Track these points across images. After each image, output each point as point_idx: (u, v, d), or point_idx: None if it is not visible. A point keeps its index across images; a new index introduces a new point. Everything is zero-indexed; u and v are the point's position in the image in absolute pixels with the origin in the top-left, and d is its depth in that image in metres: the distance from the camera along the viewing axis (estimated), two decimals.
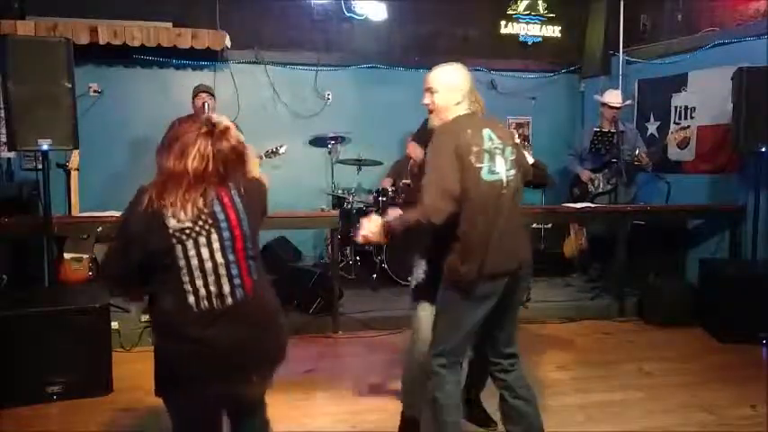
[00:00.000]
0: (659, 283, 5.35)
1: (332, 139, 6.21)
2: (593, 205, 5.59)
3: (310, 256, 6.71)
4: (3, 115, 4.40)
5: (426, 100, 2.72)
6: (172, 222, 1.85)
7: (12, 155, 5.54)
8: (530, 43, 7.09)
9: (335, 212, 5.34)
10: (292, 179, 6.20)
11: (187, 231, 1.86)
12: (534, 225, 6.41)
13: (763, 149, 4.86)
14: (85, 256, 5.16)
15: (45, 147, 3.93)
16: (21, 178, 5.67)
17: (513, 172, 2.62)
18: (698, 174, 5.87)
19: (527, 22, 7.06)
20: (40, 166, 4.18)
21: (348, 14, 6.65)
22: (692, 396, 3.71)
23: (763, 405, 3.55)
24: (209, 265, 1.88)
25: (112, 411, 3.47)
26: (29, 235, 4.54)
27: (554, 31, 7.12)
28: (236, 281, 1.92)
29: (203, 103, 4.95)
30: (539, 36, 7.08)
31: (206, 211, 1.89)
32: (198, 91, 5.11)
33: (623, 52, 6.56)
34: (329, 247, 5.88)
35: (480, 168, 2.53)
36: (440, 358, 2.66)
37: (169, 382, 1.91)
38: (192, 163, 1.89)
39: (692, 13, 6.05)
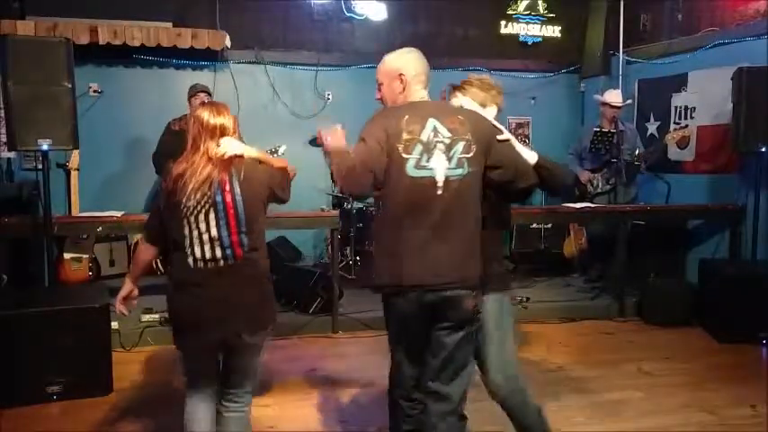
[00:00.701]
0: (659, 283, 5.35)
1: None
2: (593, 205, 5.59)
3: (310, 256, 6.72)
4: (3, 115, 4.40)
5: (377, 95, 2.48)
6: (183, 201, 2.33)
7: (12, 155, 5.54)
8: (530, 43, 7.09)
9: (335, 212, 5.34)
10: (292, 179, 6.19)
11: (194, 210, 2.32)
12: (534, 225, 6.42)
13: (763, 149, 4.86)
14: (85, 256, 5.17)
15: (45, 147, 3.93)
16: (21, 178, 5.67)
17: (459, 171, 2.24)
18: (698, 174, 5.87)
19: (527, 22, 7.06)
20: (40, 166, 4.18)
21: (348, 14, 6.65)
22: (692, 396, 3.71)
23: (763, 405, 3.55)
24: (205, 236, 2.33)
25: (112, 411, 3.47)
26: (29, 235, 4.53)
27: (554, 31, 7.12)
28: (228, 251, 2.35)
29: (202, 103, 4.94)
30: (539, 36, 7.09)
31: (209, 195, 2.32)
32: (196, 91, 5.10)
33: (623, 52, 6.56)
34: (329, 247, 5.89)
35: (406, 160, 2.22)
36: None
37: (177, 330, 2.47)
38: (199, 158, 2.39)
39: (692, 13, 6.05)
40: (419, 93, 2.38)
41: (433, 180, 2.23)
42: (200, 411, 2.48)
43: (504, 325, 2.54)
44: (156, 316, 4.68)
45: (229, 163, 2.37)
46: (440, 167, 2.24)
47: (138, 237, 6.13)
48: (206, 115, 2.41)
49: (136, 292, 2.60)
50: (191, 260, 2.33)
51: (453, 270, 2.24)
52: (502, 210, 2.59)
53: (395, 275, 2.23)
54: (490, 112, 2.59)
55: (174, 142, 5.03)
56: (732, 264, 5.29)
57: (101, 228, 4.64)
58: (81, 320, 3.65)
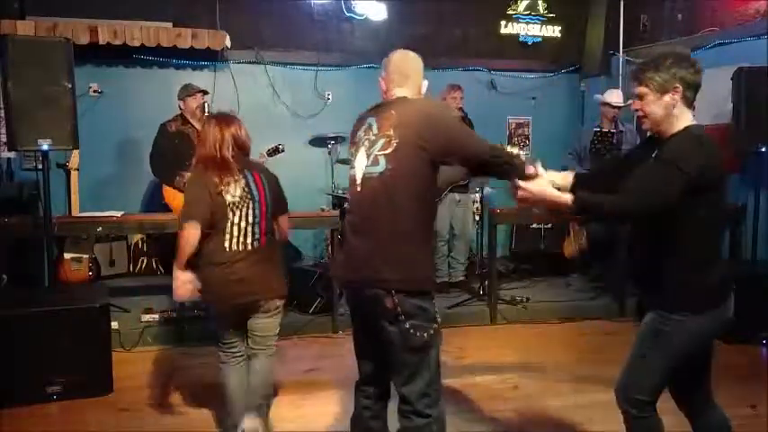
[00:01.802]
0: None
1: (332, 139, 6.20)
2: None
3: (310, 256, 6.72)
4: (3, 115, 4.40)
5: None
6: (228, 198, 2.83)
7: (12, 155, 5.54)
8: (530, 43, 7.09)
9: (335, 212, 5.33)
10: (292, 179, 6.14)
11: (236, 203, 2.85)
12: (534, 225, 6.42)
13: (763, 149, 4.86)
14: (85, 256, 5.17)
15: (45, 147, 3.93)
16: (21, 178, 5.67)
17: (377, 168, 2.23)
18: None
19: (527, 22, 7.06)
20: (40, 166, 4.17)
21: (348, 14, 6.65)
22: None
23: (763, 405, 3.55)
24: (242, 224, 2.87)
25: (112, 411, 3.48)
26: (29, 235, 4.53)
27: (554, 31, 7.12)
28: (257, 236, 2.91)
29: (204, 104, 4.93)
30: (539, 36, 7.08)
31: (247, 190, 2.89)
32: (195, 91, 5.04)
33: (623, 52, 6.56)
34: (329, 247, 5.88)
35: (351, 161, 2.40)
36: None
37: (209, 297, 2.93)
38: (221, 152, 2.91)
39: (692, 13, 6.05)
40: (396, 91, 2.40)
41: (354, 178, 2.32)
42: (231, 372, 3.04)
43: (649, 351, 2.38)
44: (156, 316, 4.68)
45: (260, 167, 3.07)
46: (361, 166, 2.30)
47: (138, 236, 6.16)
48: (244, 135, 3.04)
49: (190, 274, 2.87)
50: (227, 243, 2.84)
51: (368, 268, 2.23)
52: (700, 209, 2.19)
53: (332, 269, 2.50)
54: None
55: (173, 144, 5.02)
56: (732, 264, 5.28)
57: (101, 228, 4.64)
58: (81, 320, 3.65)
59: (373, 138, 2.28)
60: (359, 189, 2.29)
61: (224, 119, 2.97)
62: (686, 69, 2.22)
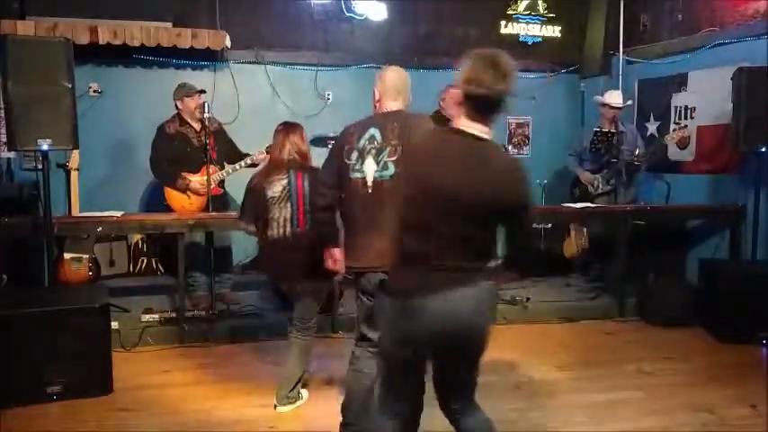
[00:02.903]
0: (659, 283, 5.35)
1: (332, 139, 6.16)
2: (593, 205, 5.59)
3: None
4: (3, 115, 4.40)
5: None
6: (269, 194, 3.41)
7: (12, 155, 5.54)
8: (530, 43, 7.09)
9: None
10: None
11: (275, 198, 3.40)
12: (534, 225, 6.40)
13: (763, 149, 4.86)
14: (85, 256, 5.17)
15: (45, 147, 3.93)
16: (21, 178, 5.67)
17: (387, 172, 2.67)
18: (698, 174, 5.87)
19: (527, 22, 7.06)
20: (40, 166, 4.17)
21: (348, 14, 6.64)
22: (692, 396, 3.71)
23: (763, 405, 3.55)
24: (283, 217, 3.41)
25: (112, 411, 3.47)
26: (29, 235, 4.53)
27: (554, 31, 7.11)
28: (295, 225, 3.41)
29: (204, 104, 4.91)
30: (539, 36, 7.08)
31: (287, 187, 3.40)
32: (194, 92, 4.99)
33: (623, 52, 6.56)
34: None
35: (349, 165, 2.75)
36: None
37: (265, 270, 3.89)
38: (280, 155, 3.48)
39: (692, 13, 6.05)
40: (390, 104, 2.83)
41: (364, 181, 2.72)
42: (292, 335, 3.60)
43: None
44: (156, 316, 4.68)
45: (305, 167, 3.48)
46: (369, 170, 2.71)
47: (138, 236, 6.16)
48: (301, 141, 3.52)
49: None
50: (270, 232, 3.42)
51: (379, 256, 2.54)
52: None
53: (351, 261, 2.78)
54: None
55: (172, 146, 5.00)
56: (732, 264, 5.29)
57: (101, 228, 4.64)
58: (81, 320, 3.65)
59: (378, 146, 2.70)
60: (370, 191, 2.69)
61: (290, 127, 3.57)
62: (460, 73, 2.18)
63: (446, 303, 2.11)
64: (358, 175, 2.73)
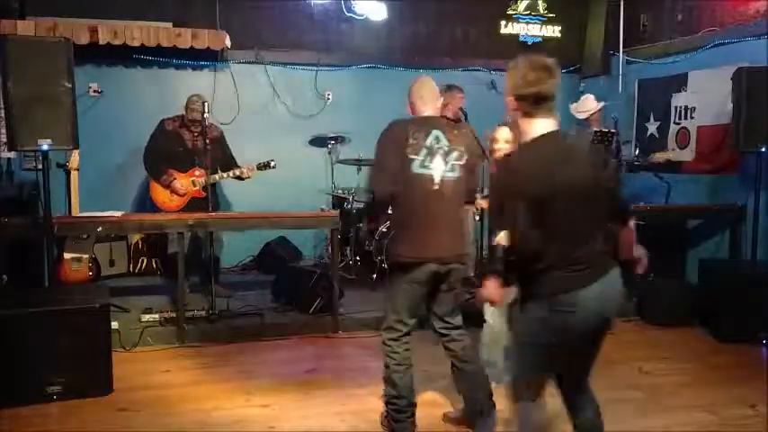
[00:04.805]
0: (659, 283, 5.35)
1: (332, 139, 6.20)
2: None
3: (310, 256, 6.72)
4: (3, 115, 4.40)
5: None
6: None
7: (12, 155, 5.54)
8: (530, 43, 7.10)
9: (335, 212, 5.34)
10: (292, 179, 6.20)
11: None
12: None
13: (763, 149, 4.85)
14: (85, 256, 5.18)
15: (45, 147, 3.93)
16: (21, 178, 5.67)
17: (452, 174, 2.92)
18: (698, 174, 5.87)
19: (527, 22, 7.06)
20: (40, 166, 4.17)
21: (348, 14, 6.65)
22: (691, 396, 3.71)
23: (763, 405, 3.55)
24: None
25: (112, 411, 3.47)
26: (29, 235, 4.53)
27: (554, 31, 7.12)
28: None
29: (204, 104, 4.94)
30: (539, 36, 7.08)
31: None
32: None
33: (623, 52, 6.56)
34: (329, 247, 5.88)
35: (414, 160, 2.87)
36: (386, 331, 3.06)
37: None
38: None
39: (692, 13, 6.05)
40: (426, 110, 3.05)
41: (431, 178, 2.89)
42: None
43: None
44: (156, 316, 4.68)
45: None
46: (438, 168, 2.90)
47: (138, 236, 6.15)
48: None
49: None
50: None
51: (454, 248, 2.93)
52: None
53: (411, 251, 2.88)
54: None
55: (167, 142, 5.07)
56: (732, 264, 5.28)
57: (101, 228, 4.63)
58: (81, 320, 3.64)
59: (447, 149, 2.92)
60: (436, 187, 2.89)
61: None
62: (509, 81, 2.35)
63: (605, 291, 2.27)
64: (425, 171, 2.89)
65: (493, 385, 3.25)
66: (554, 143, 2.28)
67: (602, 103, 5.75)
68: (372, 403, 3.53)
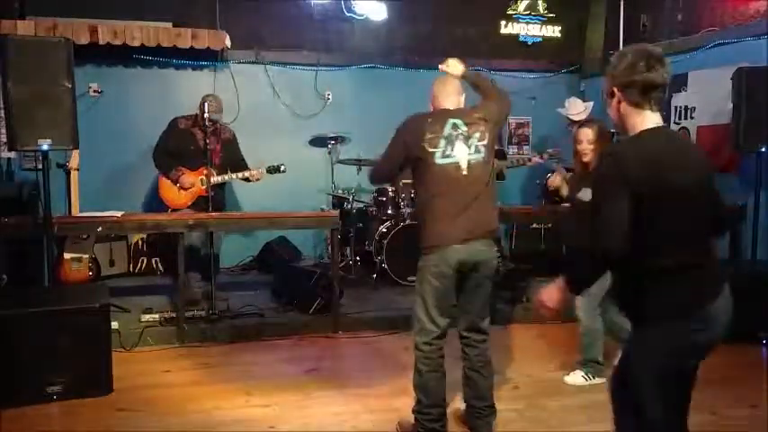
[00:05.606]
0: None
1: (332, 139, 6.20)
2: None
3: (310, 256, 6.72)
4: (3, 115, 4.40)
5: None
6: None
7: (12, 155, 5.55)
8: (530, 43, 7.10)
9: (335, 212, 5.34)
10: (292, 179, 6.19)
11: None
12: (534, 225, 6.41)
13: (763, 149, 4.85)
14: (85, 256, 5.17)
15: (45, 147, 3.93)
16: (21, 178, 5.68)
17: (478, 156, 2.91)
18: None
19: (527, 22, 7.07)
20: (40, 166, 4.17)
21: (348, 14, 6.65)
22: (692, 396, 3.70)
23: (763, 405, 3.54)
24: None
25: (112, 411, 3.47)
26: (29, 235, 4.53)
27: (554, 31, 7.12)
28: None
29: (204, 104, 4.93)
30: (539, 36, 7.09)
31: None
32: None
33: None
34: (329, 247, 5.89)
35: (433, 153, 2.88)
36: (418, 335, 2.99)
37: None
38: None
39: (692, 13, 6.05)
40: (447, 103, 3.06)
41: (457, 165, 2.89)
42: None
43: None
44: (156, 316, 4.68)
45: None
46: (462, 154, 2.90)
47: (138, 236, 6.16)
48: None
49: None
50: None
51: (487, 226, 2.94)
52: None
53: (444, 237, 2.85)
54: None
55: (180, 141, 5.06)
56: (732, 264, 5.28)
57: (101, 228, 4.64)
58: (81, 320, 3.64)
59: (466, 133, 2.91)
60: (465, 173, 2.89)
61: None
62: (615, 69, 2.06)
63: (728, 299, 2.11)
64: (450, 160, 2.89)
65: (596, 381, 3.60)
66: (666, 137, 2.12)
67: (590, 103, 5.79)
68: (373, 403, 3.53)
